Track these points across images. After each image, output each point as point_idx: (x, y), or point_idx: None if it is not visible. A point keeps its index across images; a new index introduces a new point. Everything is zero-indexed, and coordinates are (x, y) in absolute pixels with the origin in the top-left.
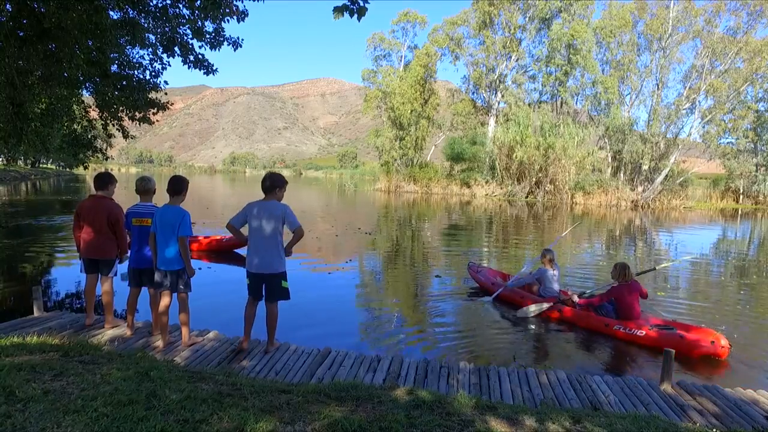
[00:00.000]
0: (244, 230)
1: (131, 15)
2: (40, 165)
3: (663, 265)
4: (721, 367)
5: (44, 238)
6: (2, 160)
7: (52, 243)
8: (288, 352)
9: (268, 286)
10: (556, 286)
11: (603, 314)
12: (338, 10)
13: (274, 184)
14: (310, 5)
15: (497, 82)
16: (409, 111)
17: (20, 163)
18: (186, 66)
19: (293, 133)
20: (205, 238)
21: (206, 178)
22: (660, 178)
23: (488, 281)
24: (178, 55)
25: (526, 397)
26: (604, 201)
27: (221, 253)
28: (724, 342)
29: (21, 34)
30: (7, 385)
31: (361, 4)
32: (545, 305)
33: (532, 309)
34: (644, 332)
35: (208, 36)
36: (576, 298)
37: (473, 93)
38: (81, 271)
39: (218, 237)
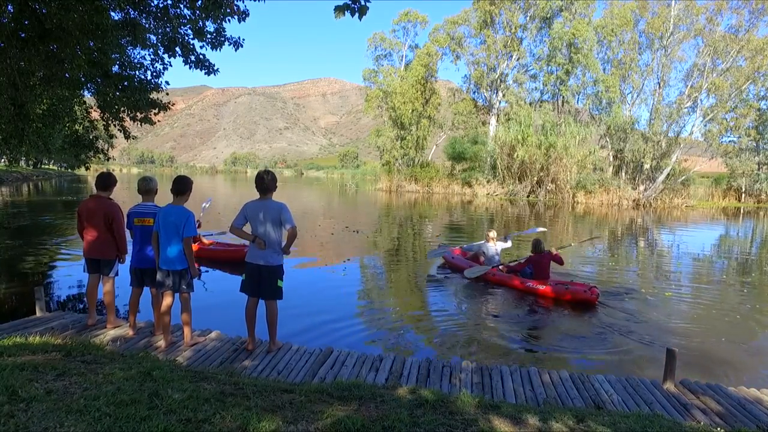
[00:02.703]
0: (247, 228)
1: (132, 15)
2: (42, 166)
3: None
4: (725, 366)
5: (46, 239)
6: (4, 161)
7: (54, 243)
8: (290, 351)
9: (263, 280)
10: (497, 258)
11: (521, 276)
12: (339, 9)
13: (273, 181)
14: (310, 5)
15: (498, 81)
16: (410, 111)
17: (22, 164)
18: (187, 66)
19: (294, 133)
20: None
21: (207, 178)
22: (662, 177)
23: (449, 256)
24: (179, 55)
25: (528, 396)
26: (606, 200)
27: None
28: (595, 292)
29: (22, 35)
30: (10, 384)
31: (362, 2)
32: (485, 268)
33: (476, 271)
34: (543, 286)
35: (209, 36)
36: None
37: (474, 92)
38: (84, 271)
39: (210, 243)
